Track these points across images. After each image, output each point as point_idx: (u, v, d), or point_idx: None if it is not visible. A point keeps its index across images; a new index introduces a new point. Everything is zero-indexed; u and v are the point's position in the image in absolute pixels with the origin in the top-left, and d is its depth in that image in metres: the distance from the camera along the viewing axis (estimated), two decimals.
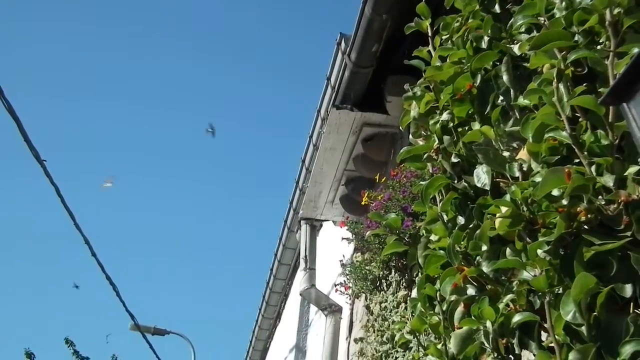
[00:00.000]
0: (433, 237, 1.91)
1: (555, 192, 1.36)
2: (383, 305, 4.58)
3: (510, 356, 1.56)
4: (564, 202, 1.34)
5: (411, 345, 3.60)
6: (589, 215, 1.32)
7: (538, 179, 1.41)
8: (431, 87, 1.95)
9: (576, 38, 1.44)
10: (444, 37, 2.03)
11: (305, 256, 6.70)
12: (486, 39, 1.80)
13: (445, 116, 1.89)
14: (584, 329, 1.28)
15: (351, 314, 5.84)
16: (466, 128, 1.85)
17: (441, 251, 1.83)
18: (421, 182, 1.96)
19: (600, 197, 1.31)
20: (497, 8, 1.82)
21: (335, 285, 5.65)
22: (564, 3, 1.50)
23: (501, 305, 1.51)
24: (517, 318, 1.45)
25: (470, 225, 1.74)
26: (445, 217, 1.86)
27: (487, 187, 1.64)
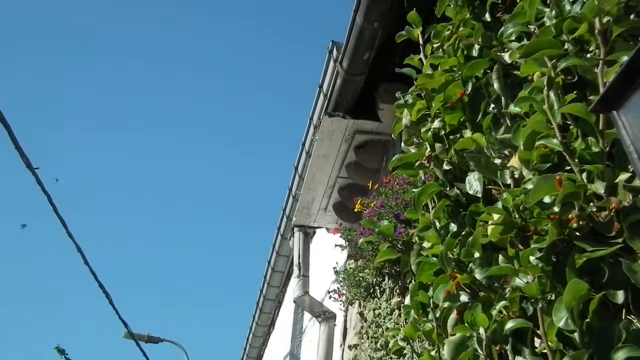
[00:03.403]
0: (426, 244, 1.92)
1: (546, 199, 1.37)
2: (377, 312, 4.58)
3: None
4: (556, 209, 1.35)
5: (405, 352, 3.60)
6: (580, 222, 1.33)
7: (529, 186, 1.42)
8: (423, 94, 1.96)
9: (566, 46, 1.45)
10: (435, 45, 2.04)
11: (299, 263, 6.69)
12: (477, 47, 1.82)
13: (436, 124, 1.90)
14: (576, 335, 1.29)
15: (345, 321, 5.83)
16: (458, 136, 1.86)
17: (434, 258, 1.83)
18: (413, 190, 1.97)
19: (591, 204, 1.32)
20: (487, 16, 1.84)
21: (329, 292, 5.65)
22: (554, 12, 1.51)
23: (494, 312, 1.52)
24: (510, 325, 1.46)
25: (463, 233, 1.74)
26: (437, 224, 1.86)
27: (479, 195, 1.65)
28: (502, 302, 1.52)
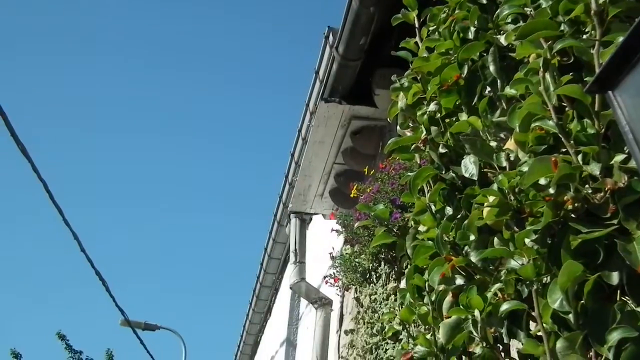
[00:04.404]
0: (421, 228, 1.92)
1: (542, 181, 1.37)
2: (373, 297, 4.59)
3: (499, 345, 1.57)
4: (551, 190, 1.35)
5: (401, 336, 3.61)
6: (575, 204, 1.32)
7: (525, 168, 1.42)
8: (418, 78, 1.95)
9: (562, 27, 1.44)
10: (431, 29, 2.03)
11: (295, 250, 6.70)
12: (473, 29, 1.80)
13: (432, 107, 1.89)
14: (571, 317, 1.29)
15: (341, 306, 5.84)
16: (453, 119, 1.85)
17: (429, 242, 1.83)
18: (409, 174, 1.96)
19: (586, 185, 1.32)
20: None
21: (325, 277, 5.66)
22: None
23: (489, 295, 1.52)
24: (505, 307, 1.46)
25: (458, 216, 1.74)
26: (433, 207, 1.86)
27: (475, 177, 1.65)
28: (497, 285, 1.52)
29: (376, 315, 4.48)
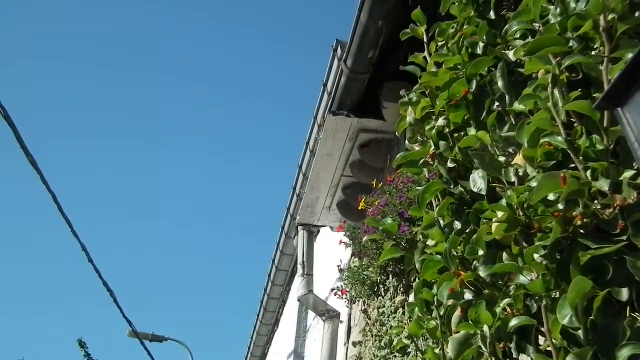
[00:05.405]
0: (430, 242, 1.92)
1: (551, 197, 1.37)
2: (381, 310, 4.58)
3: None
4: (560, 206, 1.35)
5: (409, 350, 3.60)
6: (584, 220, 1.33)
7: (534, 183, 1.42)
8: (427, 92, 1.96)
9: (571, 44, 1.45)
10: (439, 43, 2.04)
11: (303, 262, 6.69)
12: (481, 44, 1.82)
13: (441, 121, 1.90)
14: (580, 332, 1.29)
15: (349, 319, 5.83)
16: (462, 133, 1.86)
17: (438, 256, 1.83)
18: (417, 188, 1.97)
19: (595, 201, 1.32)
20: (492, 14, 1.83)
21: (333, 290, 5.65)
22: (558, 9, 1.51)
23: (498, 310, 1.52)
24: (514, 322, 1.46)
25: (467, 230, 1.74)
26: (441, 222, 1.86)
27: (483, 192, 1.65)
28: (506, 300, 1.52)
29: (384, 328, 4.47)
